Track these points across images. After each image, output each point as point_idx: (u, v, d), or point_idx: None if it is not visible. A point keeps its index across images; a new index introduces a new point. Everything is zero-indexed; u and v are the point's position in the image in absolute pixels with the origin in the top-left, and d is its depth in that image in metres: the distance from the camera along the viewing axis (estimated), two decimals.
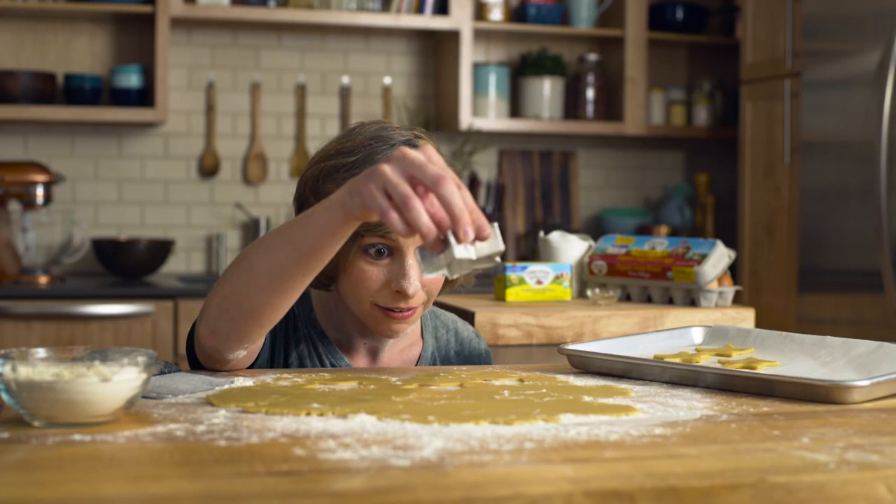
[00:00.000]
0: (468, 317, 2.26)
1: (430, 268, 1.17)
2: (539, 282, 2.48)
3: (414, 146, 1.52)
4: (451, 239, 1.15)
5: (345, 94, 4.29)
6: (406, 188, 1.15)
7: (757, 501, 0.92)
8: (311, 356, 1.64)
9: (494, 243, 1.18)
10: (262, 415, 1.17)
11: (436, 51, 4.37)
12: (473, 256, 1.16)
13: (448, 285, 1.64)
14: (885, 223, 3.17)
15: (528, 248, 4.37)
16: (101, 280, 3.88)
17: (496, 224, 1.19)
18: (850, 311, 3.39)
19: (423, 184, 1.16)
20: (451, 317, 1.82)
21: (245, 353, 1.46)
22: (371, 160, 1.52)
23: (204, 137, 4.18)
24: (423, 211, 1.14)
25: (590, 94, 4.35)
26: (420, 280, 1.56)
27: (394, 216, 1.16)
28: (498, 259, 1.19)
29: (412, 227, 1.15)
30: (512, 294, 2.46)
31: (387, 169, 1.17)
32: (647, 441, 1.06)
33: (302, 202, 1.60)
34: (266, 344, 1.59)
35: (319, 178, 1.57)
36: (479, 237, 1.16)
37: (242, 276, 1.36)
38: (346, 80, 4.30)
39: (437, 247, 1.16)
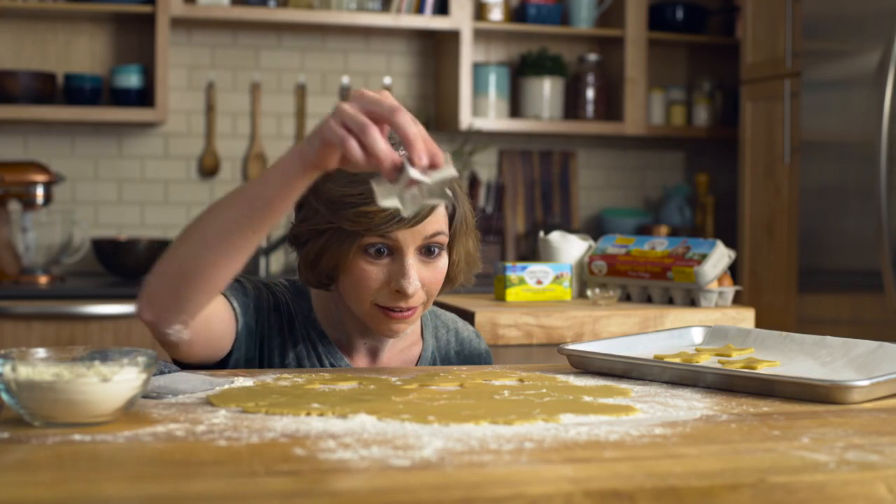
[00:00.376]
0: (468, 317, 2.26)
1: (384, 196, 1.23)
2: (539, 282, 2.48)
3: None
4: (406, 164, 1.21)
5: (345, 94, 4.29)
6: (363, 118, 1.21)
7: (757, 501, 0.92)
8: (309, 356, 1.64)
9: (447, 169, 1.22)
10: (262, 415, 1.17)
11: (436, 51, 4.37)
12: (428, 180, 1.21)
13: (448, 285, 1.65)
14: (885, 223, 3.17)
15: (528, 248, 4.37)
16: (101, 280, 3.88)
17: (448, 154, 1.24)
18: (850, 311, 3.39)
19: (380, 115, 1.22)
20: (452, 317, 1.82)
21: (186, 331, 1.42)
22: None
23: (204, 137, 4.18)
24: (379, 138, 1.21)
25: (590, 94, 4.35)
26: (420, 279, 1.56)
27: (352, 143, 1.21)
28: (450, 192, 1.25)
29: (369, 154, 1.21)
30: (512, 294, 2.46)
31: (345, 105, 1.22)
32: (647, 441, 1.06)
33: (302, 203, 1.60)
34: (241, 341, 1.59)
35: (319, 177, 1.56)
36: (434, 163, 1.22)
37: (189, 238, 1.35)
38: (346, 80, 4.30)
39: (392, 174, 1.21)
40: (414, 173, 1.20)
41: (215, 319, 1.50)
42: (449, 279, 1.63)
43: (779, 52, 3.78)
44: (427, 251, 1.57)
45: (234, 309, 1.58)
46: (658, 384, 1.41)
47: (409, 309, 1.57)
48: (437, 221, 1.55)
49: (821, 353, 1.51)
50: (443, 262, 1.59)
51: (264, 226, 1.33)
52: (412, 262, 1.55)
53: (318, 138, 1.24)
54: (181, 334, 1.43)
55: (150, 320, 1.41)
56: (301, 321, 1.66)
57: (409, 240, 1.54)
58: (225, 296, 1.58)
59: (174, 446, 1.02)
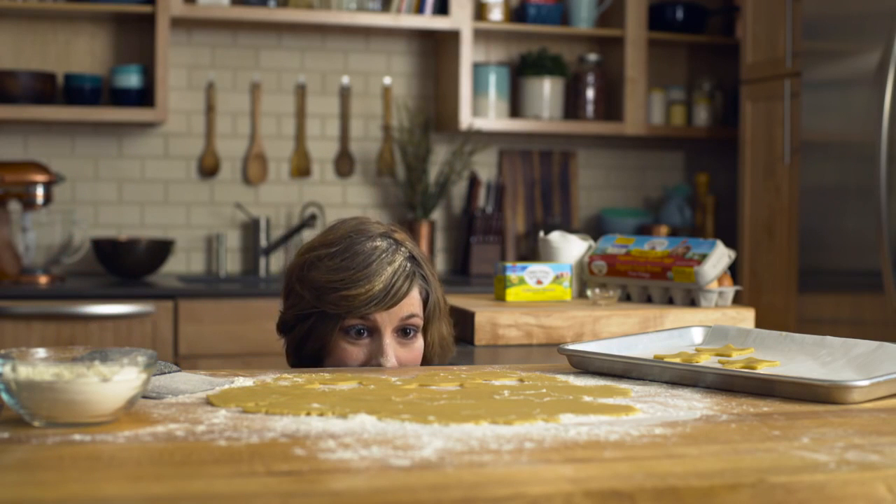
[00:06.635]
0: (468, 317, 2.26)
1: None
2: (539, 282, 2.48)
3: (390, 238, 1.73)
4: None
5: (345, 94, 4.29)
6: None
7: (757, 501, 0.92)
8: None
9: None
10: (262, 415, 1.17)
11: (436, 51, 4.37)
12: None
13: (426, 362, 1.79)
14: (885, 223, 3.17)
15: (528, 248, 4.37)
16: (101, 280, 3.88)
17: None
18: (850, 311, 3.39)
19: None
20: None
21: None
22: (350, 250, 1.70)
23: (204, 137, 4.18)
24: None
25: (590, 94, 4.35)
26: (397, 358, 1.70)
27: None
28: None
29: None
30: (512, 294, 2.45)
31: None
32: (647, 441, 1.06)
33: (289, 291, 1.76)
34: None
35: (304, 266, 1.72)
36: None
37: None
38: (346, 80, 4.30)
39: None
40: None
41: None
42: (424, 360, 1.77)
43: (779, 52, 3.78)
44: (403, 332, 1.72)
45: None
46: (658, 384, 1.41)
47: None
48: (412, 305, 1.72)
49: (821, 353, 1.51)
50: (419, 343, 1.74)
51: None
52: (389, 341, 1.70)
53: None
54: None
55: None
56: None
57: (387, 321, 1.70)
58: None
59: (174, 446, 1.02)
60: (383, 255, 1.70)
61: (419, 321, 1.74)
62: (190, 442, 1.04)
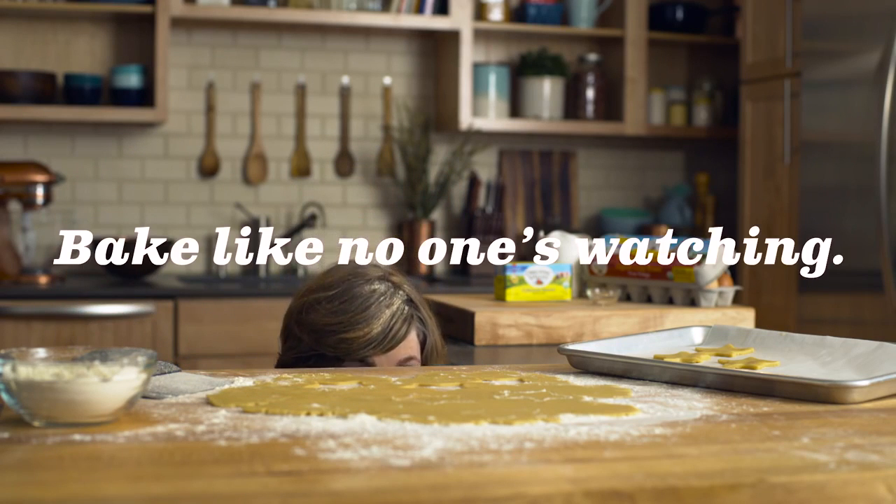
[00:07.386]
0: (468, 317, 2.26)
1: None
2: (539, 282, 2.48)
3: (388, 281, 1.76)
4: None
5: (345, 94, 4.29)
6: None
7: (757, 501, 0.92)
8: None
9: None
10: (262, 415, 1.17)
11: (436, 51, 4.37)
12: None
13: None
14: (885, 223, 3.17)
15: (529, 248, 4.37)
16: (101, 280, 3.88)
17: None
18: (850, 311, 3.39)
19: None
20: None
21: None
22: (348, 293, 1.72)
23: (204, 137, 4.18)
24: None
25: (590, 94, 4.35)
26: None
27: None
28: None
29: None
30: (512, 294, 2.45)
31: None
32: (647, 441, 1.06)
33: (288, 334, 1.77)
34: None
35: (303, 310, 1.74)
36: None
37: None
38: (346, 80, 4.30)
39: None
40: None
41: None
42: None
43: (779, 52, 3.78)
44: None
45: None
46: (658, 384, 1.41)
47: None
48: (410, 348, 1.74)
49: (821, 353, 1.51)
50: None
51: None
52: None
53: None
54: None
55: None
56: None
57: (385, 363, 1.71)
58: None
59: (174, 446, 1.02)
60: (381, 298, 1.73)
61: (416, 364, 1.75)
62: (190, 442, 1.04)
